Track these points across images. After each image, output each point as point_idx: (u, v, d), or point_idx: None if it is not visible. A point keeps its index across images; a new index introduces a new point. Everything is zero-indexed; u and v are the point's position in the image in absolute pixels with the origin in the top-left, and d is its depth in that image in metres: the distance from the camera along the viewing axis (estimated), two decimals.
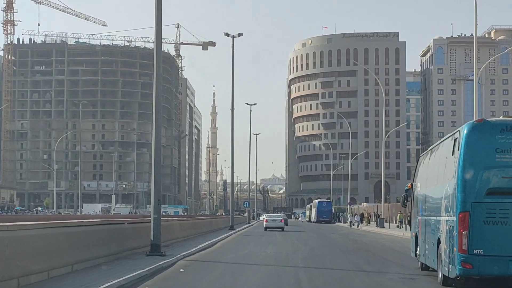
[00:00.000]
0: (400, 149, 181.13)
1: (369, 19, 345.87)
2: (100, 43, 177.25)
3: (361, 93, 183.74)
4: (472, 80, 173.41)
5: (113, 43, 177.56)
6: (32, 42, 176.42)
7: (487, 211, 13.06)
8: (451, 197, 13.74)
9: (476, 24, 35.33)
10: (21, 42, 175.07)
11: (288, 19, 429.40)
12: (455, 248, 13.29)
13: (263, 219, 63.10)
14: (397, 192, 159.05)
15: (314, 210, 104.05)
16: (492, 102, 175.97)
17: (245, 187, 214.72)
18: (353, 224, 73.43)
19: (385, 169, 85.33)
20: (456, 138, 13.98)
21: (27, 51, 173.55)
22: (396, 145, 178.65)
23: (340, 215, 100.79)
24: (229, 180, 75.13)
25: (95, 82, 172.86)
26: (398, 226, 60.20)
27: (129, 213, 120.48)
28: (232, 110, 56.12)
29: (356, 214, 79.64)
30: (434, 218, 15.66)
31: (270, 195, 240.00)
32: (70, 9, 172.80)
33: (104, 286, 12.84)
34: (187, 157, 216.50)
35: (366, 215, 79.29)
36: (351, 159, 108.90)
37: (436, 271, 15.36)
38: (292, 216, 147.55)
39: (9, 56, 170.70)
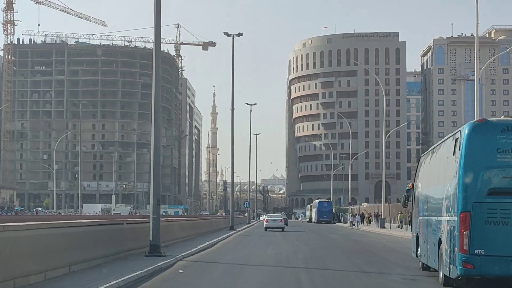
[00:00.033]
0: (401, 149, 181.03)
1: (369, 19, 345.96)
2: (100, 43, 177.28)
3: (361, 93, 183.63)
4: (472, 80, 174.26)
5: (113, 43, 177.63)
6: (32, 42, 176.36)
7: (488, 211, 13.01)
8: (452, 197, 13.70)
9: (477, 23, 35.15)
10: (21, 42, 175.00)
11: (288, 19, 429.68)
12: (456, 248, 13.26)
13: (263, 219, 63.27)
14: (398, 192, 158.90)
15: (314, 210, 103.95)
16: (493, 102, 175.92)
17: (245, 187, 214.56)
18: (354, 225, 73.29)
19: (386, 169, 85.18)
20: (457, 138, 13.94)
21: (27, 51, 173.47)
22: (397, 145, 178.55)
23: (340, 215, 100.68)
24: (229, 180, 75.02)
25: (95, 82, 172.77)
26: (398, 226, 60.12)
27: (129, 213, 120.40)
28: (232, 110, 56.01)
29: (356, 214, 79.46)
30: (435, 218, 15.62)
31: (271, 195, 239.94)
32: (70, 9, 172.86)
33: (102, 287, 12.67)
34: (187, 157, 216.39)
35: (366, 215, 79.12)
36: (352, 159, 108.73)
37: (437, 271, 15.30)
38: (293, 216, 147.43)
39: (9, 56, 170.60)
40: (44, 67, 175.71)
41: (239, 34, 54.22)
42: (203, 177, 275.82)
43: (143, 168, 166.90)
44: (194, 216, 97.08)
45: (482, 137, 13.28)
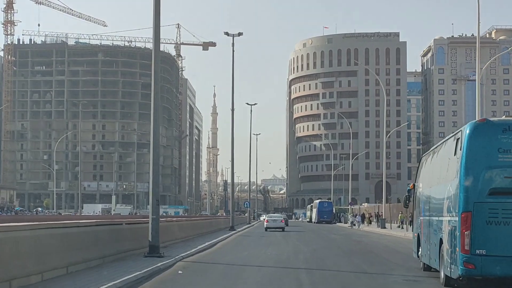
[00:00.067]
0: (401, 149, 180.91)
1: (369, 19, 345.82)
2: (101, 43, 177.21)
3: (362, 93, 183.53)
4: (473, 80, 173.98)
5: (114, 44, 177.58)
6: (32, 43, 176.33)
7: (489, 211, 12.96)
8: (454, 197, 13.66)
9: (479, 22, 34.96)
10: (21, 43, 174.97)
11: (288, 19, 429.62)
12: (457, 248, 13.22)
13: (264, 219, 63.44)
14: (398, 192, 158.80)
15: (314, 210, 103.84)
16: (493, 102, 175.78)
17: (245, 187, 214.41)
18: (354, 225, 73.09)
19: (386, 170, 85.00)
20: (459, 138, 13.91)
21: (27, 51, 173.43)
22: (397, 145, 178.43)
23: (340, 215, 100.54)
24: (229, 181, 74.83)
25: (96, 82, 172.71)
26: (399, 227, 60.01)
27: (129, 213, 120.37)
28: (232, 109, 55.85)
29: (357, 215, 79.25)
30: (437, 218, 15.58)
31: (271, 195, 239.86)
32: (70, 9, 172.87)
33: None
34: (187, 157, 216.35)
35: (367, 215, 78.95)
36: (352, 159, 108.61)
37: (438, 271, 15.26)
38: (293, 216, 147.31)
39: (9, 57, 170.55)
40: (44, 67, 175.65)
41: (239, 34, 54.07)
42: (204, 177, 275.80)
43: (144, 168, 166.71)
44: (194, 216, 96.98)
45: (483, 137, 13.25)
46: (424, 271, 17.74)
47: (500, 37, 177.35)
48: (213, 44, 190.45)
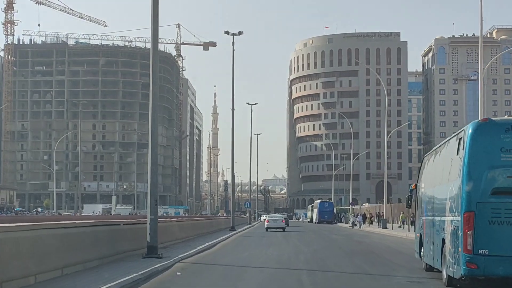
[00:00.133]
0: (402, 149, 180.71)
1: (370, 18, 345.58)
2: (101, 43, 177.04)
3: (363, 93, 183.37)
4: (474, 80, 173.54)
5: (114, 44, 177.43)
6: (33, 43, 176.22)
7: (492, 211, 12.94)
8: (456, 197, 13.62)
9: (481, 21, 34.63)
10: (21, 43, 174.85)
11: (289, 19, 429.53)
12: (460, 248, 13.20)
13: (265, 219, 63.55)
14: (399, 193, 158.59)
15: (315, 210, 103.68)
16: (494, 102, 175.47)
17: (246, 187, 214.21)
18: (355, 225, 72.85)
19: (387, 170, 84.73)
20: (461, 138, 13.88)
21: (28, 51, 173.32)
22: (398, 145, 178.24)
23: (341, 215, 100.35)
24: (230, 181, 74.61)
25: (96, 82, 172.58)
26: (400, 227, 59.87)
27: (129, 213, 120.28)
28: (233, 109, 55.65)
29: (358, 215, 78.99)
30: (439, 218, 15.55)
31: (272, 195, 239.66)
32: (71, 9, 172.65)
33: None
34: (188, 157, 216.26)
35: (368, 215, 78.72)
36: (353, 159, 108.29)
37: (441, 272, 15.22)
38: (294, 216, 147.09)
39: (9, 57, 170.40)
40: (44, 67, 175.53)
41: (240, 33, 53.82)
42: (204, 177, 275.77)
43: (144, 169, 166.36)
44: (194, 216, 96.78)
45: (486, 136, 13.23)
46: (427, 272, 17.64)
47: (501, 37, 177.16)
48: (213, 44, 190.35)
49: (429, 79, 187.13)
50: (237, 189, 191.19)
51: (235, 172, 61.23)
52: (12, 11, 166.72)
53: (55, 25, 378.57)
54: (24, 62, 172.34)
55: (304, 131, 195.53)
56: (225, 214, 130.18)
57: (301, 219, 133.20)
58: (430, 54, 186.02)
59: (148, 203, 21.48)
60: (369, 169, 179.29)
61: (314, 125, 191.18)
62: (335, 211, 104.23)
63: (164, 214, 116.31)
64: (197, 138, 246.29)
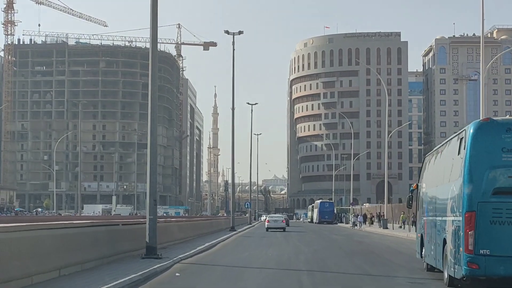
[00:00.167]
0: (402, 149, 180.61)
1: (370, 18, 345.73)
2: (101, 43, 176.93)
3: (363, 93, 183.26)
4: (474, 80, 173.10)
5: (114, 44, 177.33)
6: (33, 43, 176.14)
7: (493, 211, 12.93)
8: (457, 197, 13.62)
9: (483, 20, 34.46)
10: (21, 43, 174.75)
11: (289, 19, 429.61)
12: (461, 248, 13.20)
13: (265, 219, 63.61)
14: (399, 193, 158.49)
15: (316, 210, 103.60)
16: (495, 102, 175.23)
17: (246, 187, 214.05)
18: (356, 225, 72.71)
19: (387, 170, 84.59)
20: (462, 138, 13.87)
21: (28, 51, 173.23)
22: (398, 145, 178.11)
23: (342, 215, 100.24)
24: (230, 181, 74.48)
25: (96, 82, 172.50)
26: (400, 227, 59.78)
27: (129, 214, 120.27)
28: (233, 109, 55.48)
29: (359, 215, 78.85)
30: (440, 218, 15.55)
31: (272, 195, 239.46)
32: (71, 9, 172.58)
33: None
34: (188, 157, 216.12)
35: (369, 215, 78.61)
36: (353, 159, 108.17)
37: (442, 272, 15.21)
38: (294, 217, 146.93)
39: (9, 57, 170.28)
40: (44, 67, 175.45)
41: (240, 32, 53.69)
42: (204, 177, 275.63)
43: (144, 169, 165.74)
44: (194, 216, 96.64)
45: (487, 136, 13.22)
46: (428, 272, 17.60)
47: (502, 37, 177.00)
48: (213, 44, 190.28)
49: (429, 79, 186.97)
50: (237, 189, 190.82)
51: (235, 172, 61.13)
52: (12, 11, 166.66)
53: (55, 25, 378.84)
54: (24, 62, 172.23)
55: (304, 131, 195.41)
56: (225, 214, 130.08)
57: (301, 219, 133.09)
58: (431, 54, 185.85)
59: (147, 203, 21.33)
60: (370, 169, 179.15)
61: (314, 125, 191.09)
62: (335, 211, 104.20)
63: (164, 214, 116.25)
64: (197, 138, 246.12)
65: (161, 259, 19.55)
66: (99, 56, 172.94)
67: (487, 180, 12.94)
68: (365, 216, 77.06)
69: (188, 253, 23.06)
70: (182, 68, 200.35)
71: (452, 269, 13.93)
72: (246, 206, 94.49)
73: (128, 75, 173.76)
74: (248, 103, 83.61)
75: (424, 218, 18.06)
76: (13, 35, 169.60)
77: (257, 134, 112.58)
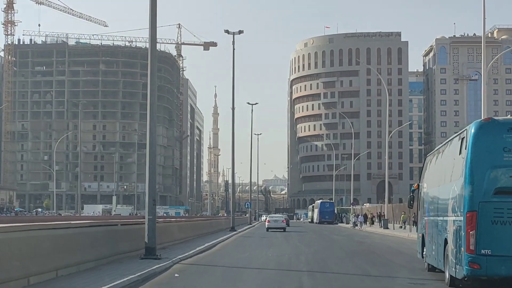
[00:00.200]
0: (403, 149, 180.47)
1: (371, 18, 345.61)
2: (101, 43, 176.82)
3: (363, 93, 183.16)
4: (475, 80, 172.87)
5: (114, 44, 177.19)
6: (33, 43, 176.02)
7: (494, 211, 12.90)
8: (459, 197, 13.60)
9: (484, 19, 34.31)
10: (21, 43, 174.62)
11: (289, 19, 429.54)
12: (462, 248, 13.17)
13: (265, 219, 63.61)
14: (400, 193, 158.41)
15: (316, 211, 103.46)
16: (495, 102, 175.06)
17: (246, 188, 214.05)
18: (357, 225, 72.57)
19: (388, 169, 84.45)
20: (464, 137, 13.85)
21: (28, 51, 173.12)
22: (399, 145, 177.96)
23: (342, 215, 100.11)
24: (230, 181, 74.36)
25: (96, 82, 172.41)
26: (401, 227, 59.69)
27: (130, 214, 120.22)
28: (233, 108, 55.36)
29: (359, 215, 78.71)
30: (441, 218, 15.54)
31: (272, 196, 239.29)
32: (71, 9, 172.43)
33: None
34: (188, 158, 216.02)
35: (369, 215, 78.48)
36: (354, 159, 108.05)
37: (443, 272, 15.19)
38: (294, 217, 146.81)
39: (9, 57, 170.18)
40: (44, 67, 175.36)
41: (240, 32, 53.54)
42: (205, 177, 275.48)
43: (144, 169, 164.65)
44: (194, 216, 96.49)
45: (488, 136, 13.19)
46: (429, 272, 17.54)
47: (502, 37, 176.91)
48: (214, 44, 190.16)
49: (430, 79, 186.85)
50: (238, 189, 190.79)
51: (235, 172, 61.00)
52: (12, 11, 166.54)
53: (55, 25, 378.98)
54: (24, 62, 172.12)
55: (304, 131, 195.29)
56: (225, 214, 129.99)
57: (301, 220, 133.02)
58: (431, 54, 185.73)
59: (146, 203, 21.18)
60: (370, 169, 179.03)
61: (314, 125, 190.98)
62: (336, 211, 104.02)
63: (165, 214, 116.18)
64: (198, 138, 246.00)
65: (160, 260, 19.39)
66: (99, 56, 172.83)
67: (488, 180, 12.91)
68: (365, 216, 76.91)
69: (187, 254, 22.90)
70: (182, 68, 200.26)
71: (453, 269, 13.90)
72: (246, 206, 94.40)
73: (128, 75, 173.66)
74: (248, 103, 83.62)
75: (425, 218, 18.03)
76: (13, 35, 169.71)
77: (257, 134, 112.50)
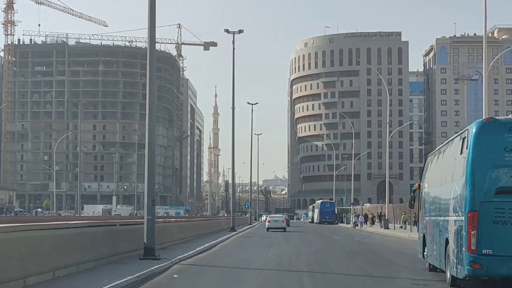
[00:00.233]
0: (403, 149, 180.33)
1: (371, 18, 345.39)
2: (101, 43, 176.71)
3: (364, 93, 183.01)
4: (475, 79, 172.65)
5: (114, 44, 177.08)
6: (33, 43, 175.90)
7: (496, 211, 12.89)
8: (460, 196, 13.59)
9: (485, 18, 34.17)
10: (21, 43, 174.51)
11: (289, 19, 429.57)
12: (463, 248, 13.17)
13: (265, 219, 63.64)
14: (400, 193, 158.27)
15: (316, 211, 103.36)
16: (496, 101, 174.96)
17: (247, 188, 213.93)
18: (357, 225, 72.46)
19: (388, 169, 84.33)
20: (465, 137, 13.83)
21: (28, 51, 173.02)
22: (399, 145, 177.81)
23: (343, 215, 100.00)
24: (230, 181, 74.29)
25: (96, 82, 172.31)
26: (401, 227, 59.61)
27: (130, 214, 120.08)
28: (233, 108, 55.27)
29: (360, 215, 78.61)
30: (442, 218, 15.54)
31: (272, 196, 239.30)
32: (71, 9, 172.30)
33: None
34: (188, 158, 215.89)
35: (370, 216, 78.38)
36: (354, 159, 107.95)
37: (444, 272, 15.18)
38: (294, 217, 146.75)
39: (9, 57, 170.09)
40: (44, 67, 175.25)
41: (240, 31, 53.46)
42: (205, 177, 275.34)
43: (144, 169, 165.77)
44: (194, 216, 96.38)
45: (489, 136, 13.17)
46: (430, 272, 17.51)
47: (503, 37, 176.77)
48: (214, 44, 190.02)
49: (430, 79, 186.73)
50: (238, 189, 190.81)
51: (235, 172, 60.92)
52: (12, 11, 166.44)
53: (55, 25, 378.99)
54: (24, 62, 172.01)
55: (305, 131, 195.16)
56: (225, 215, 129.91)
57: (302, 220, 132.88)
58: (432, 54, 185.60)
59: (145, 203, 21.08)
60: (370, 169, 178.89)
61: (315, 125, 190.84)
62: (336, 211, 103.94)
63: (165, 214, 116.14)
64: (198, 138, 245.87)
65: (160, 260, 19.28)
66: (99, 56, 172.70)
67: (489, 179, 12.88)
68: (366, 216, 76.80)
69: (187, 254, 22.80)
70: (183, 68, 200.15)
71: (454, 269, 13.88)
72: (247, 206, 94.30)
73: (128, 75, 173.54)
74: (248, 103, 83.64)
75: (426, 218, 18.00)
76: (13, 35, 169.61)
77: (258, 134, 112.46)
